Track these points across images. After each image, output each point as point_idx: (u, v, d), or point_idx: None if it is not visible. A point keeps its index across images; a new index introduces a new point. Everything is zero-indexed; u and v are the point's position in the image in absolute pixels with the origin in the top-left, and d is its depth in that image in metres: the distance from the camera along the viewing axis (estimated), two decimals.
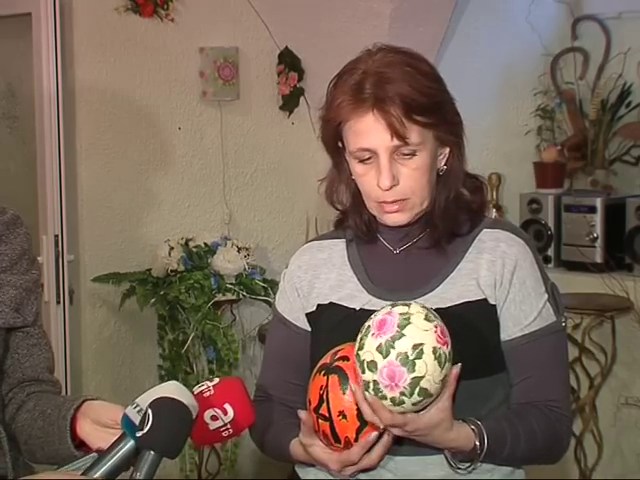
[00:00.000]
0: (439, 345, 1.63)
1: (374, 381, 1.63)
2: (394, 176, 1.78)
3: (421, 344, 1.62)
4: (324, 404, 1.72)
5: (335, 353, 1.75)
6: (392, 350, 1.61)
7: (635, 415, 4.25)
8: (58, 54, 3.62)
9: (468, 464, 1.77)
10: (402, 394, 1.63)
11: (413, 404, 1.65)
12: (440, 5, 4.21)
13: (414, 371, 1.62)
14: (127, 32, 4.01)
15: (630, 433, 4.27)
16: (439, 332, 1.64)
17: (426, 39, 4.07)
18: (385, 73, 1.77)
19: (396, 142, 1.76)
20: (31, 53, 3.69)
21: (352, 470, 1.75)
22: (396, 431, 1.69)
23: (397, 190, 1.79)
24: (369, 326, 1.66)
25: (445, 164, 1.85)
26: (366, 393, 1.65)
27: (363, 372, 1.64)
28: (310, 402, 1.76)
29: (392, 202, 1.80)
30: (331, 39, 4.14)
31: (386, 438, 1.71)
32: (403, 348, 1.61)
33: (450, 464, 1.78)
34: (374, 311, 1.71)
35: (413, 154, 1.78)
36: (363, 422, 1.70)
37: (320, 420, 1.73)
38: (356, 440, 1.71)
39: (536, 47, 4.65)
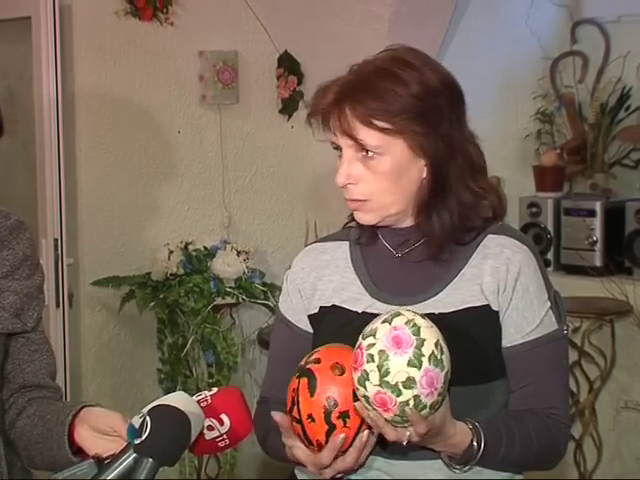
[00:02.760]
0: (441, 335, 1.64)
1: (414, 397, 1.60)
2: (350, 175, 1.79)
3: (437, 340, 1.62)
4: (295, 407, 1.71)
5: (311, 355, 1.74)
6: (423, 358, 1.60)
7: (635, 419, 4.24)
8: (58, 58, 3.61)
9: (463, 465, 1.77)
10: (439, 395, 1.62)
11: (444, 401, 1.65)
12: (439, 8, 4.21)
13: (444, 367, 1.62)
14: (127, 36, 4.01)
15: (630, 436, 4.26)
16: (433, 323, 1.66)
17: (425, 42, 4.06)
18: (362, 74, 1.78)
19: (350, 141, 1.78)
20: (31, 57, 3.69)
21: (329, 473, 1.73)
22: (417, 438, 1.67)
23: (353, 190, 1.81)
24: (382, 350, 1.61)
25: (427, 175, 1.81)
26: (406, 409, 1.61)
27: (399, 394, 1.60)
28: (287, 404, 1.75)
29: (350, 200, 1.82)
30: (330, 42, 4.14)
31: (358, 442, 1.70)
32: (429, 351, 1.61)
33: (446, 464, 1.77)
34: (377, 314, 1.69)
35: (373, 157, 1.78)
36: (331, 425, 1.69)
37: (294, 422, 1.72)
38: (326, 443, 1.70)
39: (535, 50, 4.65)
